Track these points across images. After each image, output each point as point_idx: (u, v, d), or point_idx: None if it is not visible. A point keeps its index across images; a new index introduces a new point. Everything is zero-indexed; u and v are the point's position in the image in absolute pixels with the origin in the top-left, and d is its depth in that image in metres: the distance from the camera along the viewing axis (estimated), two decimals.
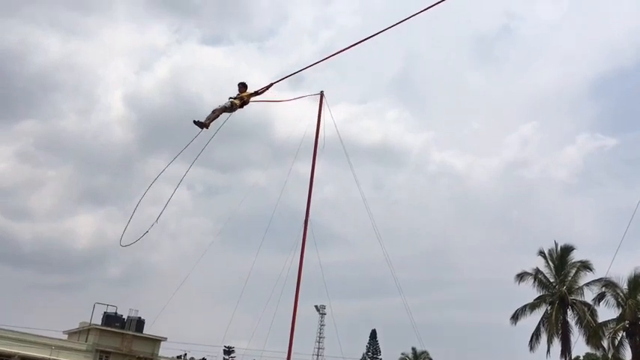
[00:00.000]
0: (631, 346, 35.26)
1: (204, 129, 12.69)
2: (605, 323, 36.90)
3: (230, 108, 13.11)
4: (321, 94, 20.71)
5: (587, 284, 38.48)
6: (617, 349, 35.91)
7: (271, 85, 14.12)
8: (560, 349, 37.75)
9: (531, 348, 38.64)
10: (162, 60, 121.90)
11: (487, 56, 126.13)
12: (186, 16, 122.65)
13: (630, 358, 35.56)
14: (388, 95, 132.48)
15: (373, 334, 73.65)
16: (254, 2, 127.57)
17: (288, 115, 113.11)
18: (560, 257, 39.76)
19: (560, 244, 40.28)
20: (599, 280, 37.25)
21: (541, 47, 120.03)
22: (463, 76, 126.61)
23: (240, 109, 13.14)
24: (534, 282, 39.79)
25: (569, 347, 37.47)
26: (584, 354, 48.02)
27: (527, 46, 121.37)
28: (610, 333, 36.12)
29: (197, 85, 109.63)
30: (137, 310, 46.92)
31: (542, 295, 39.58)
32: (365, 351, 72.60)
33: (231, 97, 13.11)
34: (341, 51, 12.83)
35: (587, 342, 37.15)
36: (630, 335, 35.42)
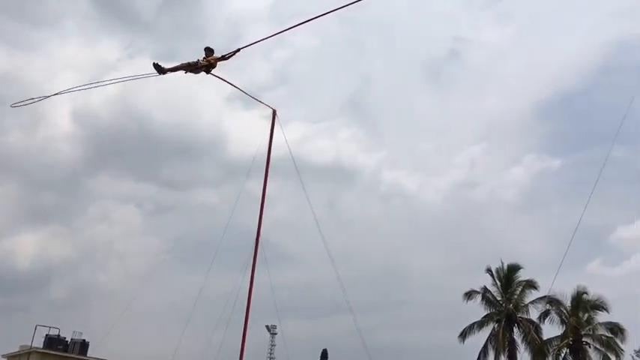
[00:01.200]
0: None
1: (161, 74, 13.50)
2: (550, 340, 37.85)
3: (195, 65, 13.71)
4: (274, 112, 20.72)
5: (533, 302, 39.48)
6: None
7: (239, 50, 14.15)
8: None
9: None
10: (112, 75, 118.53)
11: (437, 79, 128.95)
12: (138, 31, 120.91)
13: None
14: (342, 115, 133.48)
15: (324, 354, 73.19)
16: (209, 21, 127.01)
17: (240, 134, 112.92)
18: (507, 276, 40.69)
19: (507, 262, 41.29)
20: (543, 298, 38.31)
21: (488, 72, 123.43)
22: (414, 98, 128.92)
23: (206, 73, 13.79)
24: (482, 300, 40.53)
25: None
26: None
27: (475, 70, 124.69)
28: (554, 350, 37.07)
29: (148, 102, 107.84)
30: (81, 333, 45.33)
31: (490, 313, 40.32)
32: None
33: (199, 58, 13.62)
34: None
35: (533, 359, 38.02)
36: (573, 352, 36.42)
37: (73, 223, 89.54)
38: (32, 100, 12.07)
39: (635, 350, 48.63)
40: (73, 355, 43.62)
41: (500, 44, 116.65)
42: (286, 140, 20.28)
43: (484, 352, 39.15)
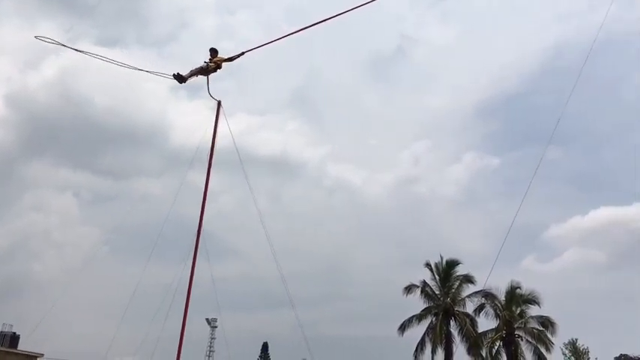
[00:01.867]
0: (507, 355, 37.51)
1: (182, 83, 14.93)
2: (485, 333, 39.05)
3: (206, 69, 14.93)
4: (219, 103, 20.37)
5: (469, 296, 40.61)
6: (495, 358, 38.11)
7: (243, 53, 15.03)
8: (443, 358, 39.42)
9: (416, 358, 40.05)
10: (50, 59, 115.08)
11: (383, 76, 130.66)
12: (79, 15, 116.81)
13: None
14: (288, 108, 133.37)
15: (265, 347, 73.19)
16: (153, 7, 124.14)
17: (184, 124, 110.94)
18: (446, 270, 41.69)
19: (447, 257, 42.30)
20: (479, 292, 39.47)
21: (433, 70, 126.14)
22: (360, 93, 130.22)
23: (214, 73, 14.90)
24: (421, 294, 41.37)
25: (452, 357, 39.19)
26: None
27: (420, 68, 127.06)
28: (488, 342, 38.27)
29: (88, 87, 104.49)
30: (12, 325, 43.68)
31: (429, 306, 41.20)
32: None
33: (205, 61, 14.75)
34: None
35: (468, 351, 39.12)
36: (506, 345, 37.67)
37: (6, 211, 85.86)
38: None
39: (564, 343, 50.91)
40: (2, 349, 41.99)
41: (446, 43, 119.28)
42: (231, 132, 20.00)
43: (421, 344, 40.00)
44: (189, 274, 17.77)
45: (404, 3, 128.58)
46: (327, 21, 12.52)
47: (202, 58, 16.50)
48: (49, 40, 14.66)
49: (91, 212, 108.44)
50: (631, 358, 52.15)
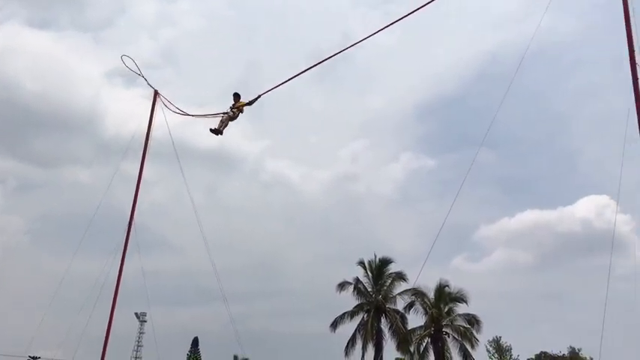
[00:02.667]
0: (434, 352, 38.53)
1: (219, 135, 16.30)
2: (414, 330, 39.94)
3: (233, 117, 16.33)
4: (155, 93, 19.96)
5: (400, 293, 41.41)
6: (423, 354, 39.06)
7: (259, 96, 16.35)
8: (373, 355, 40.06)
9: (347, 354, 40.51)
10: None
11: (324, 73, 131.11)
12: None
13: None
14: (227, 101, 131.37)
15: (195, 342, 72.07)
16: None
17: (119, 113, 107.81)
18: (379, 268, 42.34)
19: (380, 255, 42.96)
20: (410, 290, 40.33)
21: (374, 70, 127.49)
22: (301, 90, 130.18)
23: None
24: (354, 291, 41.86)
25: (381, 353, 39.87)
26: (394, 359, 51.41)
27: (362, 67, 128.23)
28: (417, 339, 39.18)
29: (17, 70, 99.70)
30: None
31: (361, 303, 41.73)
32: (186, 359, 70.76)
33: (231, 107, 15.85)
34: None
35: (397, 348, 39.94)
36: (434, 341, 38.68)
37: None
38: None
39: (488, 341, 52.78)
40: None
41: (387, 45, 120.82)
42: (167, 122, 19.62)
43: (352, 340, 40.49)
44: (119, 267, 17.34)
45: (347, 3, 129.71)
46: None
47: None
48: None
49: (16, 200, 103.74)
50: (551, 355, 54.70)
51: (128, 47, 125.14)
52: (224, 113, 16.06)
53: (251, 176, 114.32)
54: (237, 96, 16.39)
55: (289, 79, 15.05)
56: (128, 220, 18.27)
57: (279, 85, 15.31)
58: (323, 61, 14.85)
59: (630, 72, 13.89)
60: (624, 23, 14.20)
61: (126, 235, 17.83)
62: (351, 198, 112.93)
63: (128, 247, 17.75)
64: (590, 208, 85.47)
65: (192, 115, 17.15)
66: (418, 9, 13.29)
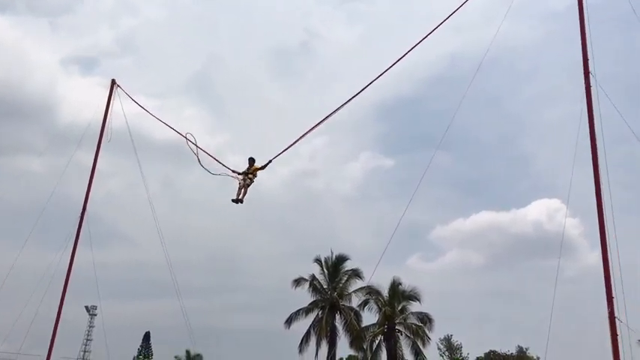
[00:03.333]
0: (387, 349, 38.96)
1: (240, 203, 16.70)
2: (367, 327, 40.28)
3: (250, 183, 16.68)
4: (113, 82, 19.55)
5: (355, 291, 41.68)
6: (376, 352, 39.45)
7: (270, 161, 16.82)
8: (326, 352, 40.22)
9: (300, 351, 40.59)
10: None
11: (286, 69, 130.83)
12: None
13: (385, 358, 39.34)
14: (187, 93, 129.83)
15: (147, 337, 71.05)
16: None
17: (75, 101, 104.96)
18: (335, 265, 42.51)
19: (337, 252, 43.12)
20: (364, 288, 40.63)
21: (335, 68, 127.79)
22: (263, 85, 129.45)
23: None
24: (309, 287, 41.94)
25: (335, 350, 40.08)
26: (347, 356, 51.72)
27: (323, 64, 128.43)
28: (370, 337, 39.54)
29: None
30: None
31: (316, 300, 41.84)
32: (136, 354, 69.67)
33: (244, 172, 16.29)
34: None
35: (351, 345, 40.22)
36: (387, 339, 39.11)
37: None
38: None
39: (440, 339, 53.71)
40: None
41: (349, 42, 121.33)
42: (124, 113, 19.24)
43: (307, 337, 40.58)
44: (70, 258, 16.93)
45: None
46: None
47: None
48: None
49: None
50: (499, 354, 55.99)
51: (86, 35, 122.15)
52: (239, 174, 16.66)
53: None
54: (252, 161, 17.00)
55: (299, 138, 15.62)
56: (81, 210, 17.86)
57: (289, 146, 15.54)
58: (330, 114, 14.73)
59: (583, 80, 14.34)
60: (579, 32, 14.65)
61: (78, 226, 17.43)
62: (310, 195, 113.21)
63: (80, 239, 17.37)
64: (542, 211, 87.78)
65: (151, 114, 16.76)
66: None
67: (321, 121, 15.29)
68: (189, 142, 16.11)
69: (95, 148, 18.77)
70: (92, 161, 18.57)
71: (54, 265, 17.11)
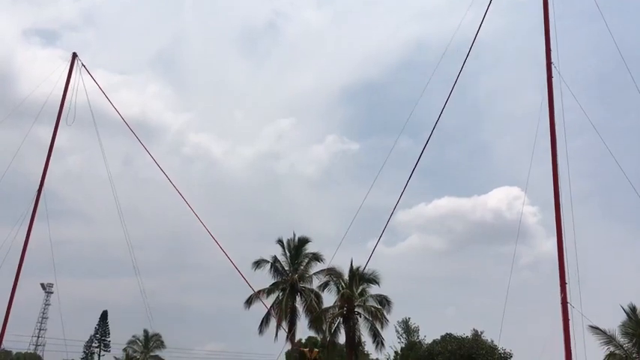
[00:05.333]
0: (345, 331, 39.41)
1: None
2: (327, 309, 40.63)
3: None
4: (74, 56, 19.01)
5: (316, 273, 41.94)
6: (334, 333, 39.89)
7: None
8: (286, 332, 40.46)
9: (260, 331, 40.73)
10: None
11: (252, 49, 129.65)
12: None
13: (344, 340, 39.84)
14: (151, 70, 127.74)
15: (104, 316, 70.05)
16: None
17: (34, 74, 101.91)
18: (297, 247, 42.63)
19: (299, 235, 43.22)
20: (325, 270, 40.91)
21: (303, 49, 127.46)
22: (228, 63, 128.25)
23: None
24: (271, 269, 41.99)
25: (295, 331, 40.35)
26: (306, 337, 52.16)
27: (291, 46, 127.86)
28: (329, 318, 39.92)
29: None
30: None
31: (277, 281, 41.94)
32: (93, 333, 68.75)
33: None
34: None
35: (310, 326, 40.56)
36: (346, 321, 39.55)
37: None
38: None
39: (398, 321, 54.63)
40: None
41: (317, 25, 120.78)
42: (85, 88, 18.73)
43: (267, 318, 40.73)
44: (25, 235, 16.53)
45: None
46: None
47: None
48: None
49: None
50: (454, 336, 57.22)
51: (48, 6, 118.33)
52: None
53: (172, 148, 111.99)
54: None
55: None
56: (38, 187, 17.42)
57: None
58: None
59: (546, 71, 14.59)
60: (543, 23, 14.87)
61: (34, 202, 17.00)
62: (274, 176, 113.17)
63: (37, 215, 16.95)
64: (501, 199, 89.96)
65: (110, 101, 16.30)
66: None
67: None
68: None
69: (54, 124, 18.29)
70: (50, 137, 18.09)
71: (9, 241, 16.68)
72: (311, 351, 15.49)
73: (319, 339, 45.97)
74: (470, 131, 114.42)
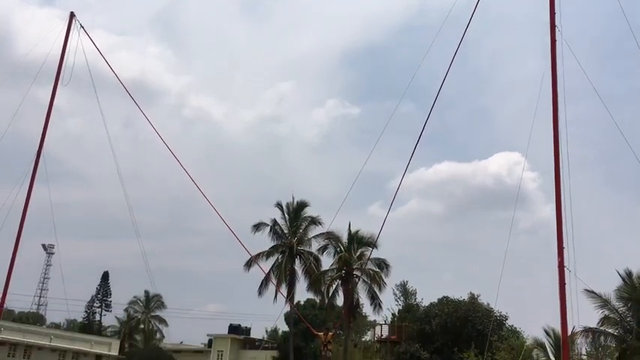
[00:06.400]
0: (344, 293, 39.94)
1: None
2: (326, 272, 41.10)
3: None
4: (71, 15, 18.72)
5: (315, 236, 42.28)
6: (333, 295, 40.46)
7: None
8: (285, 294, 40.99)
9: (260, 293, 41.27)
10: None
11: (254, 11, 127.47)
12: None
13: (342, 302, 40.41)
14: (150, 31, 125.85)
15: (105, 277, 70.73)
16: None
17: (32, 31, 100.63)
18: (296, 211, 42.85)
19: (298, 198, 43.39)
20: (324, 234, 41.23)
21: (304, 11, 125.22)
22: (229, 26, 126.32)
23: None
24: (270, 232, 42.30)
25: (294, 293, 40.89)
26: (305, 299, 52.86)
27: (292, 7, 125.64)
28: (328, 281, 40.42)
29: None
30: None
31: (276, 244, 42.29)
32: (94, 293, 69.58)
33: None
34: None
35: (308, 288, 41.13)
36: (344, 283, 40.03)
37: None
38: None
39: (395, 284, 55.23)
40: None
41: None
42: (83, 49, 18.50)
43: (266, 280, 41.22)
44: (26, 196, 16.58)
45: None
46: None
47: None
48: None
49: None
50: (451, 299, 57.99)
51: None
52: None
53: (172, 111, 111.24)
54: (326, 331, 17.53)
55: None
56: (37, 148, 17.39)
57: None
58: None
59: (550, 35, 14.40)
60: None
61: (34, 163, 16.98)
62: (274, 140, 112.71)
63: (37, 177, 16.96)
64: (502, 164, 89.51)
65: (108, 64, 16.06)
66: None
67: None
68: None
69: (52, 85, 18.14)
70: (49, 99, 17.97)
71: (10, 201, 16.73)
72: (326, 334, 15.54)
73: (317, 301, 46.57)
74: (471, 96, 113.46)
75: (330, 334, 16.38)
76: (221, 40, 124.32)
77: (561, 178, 13.41)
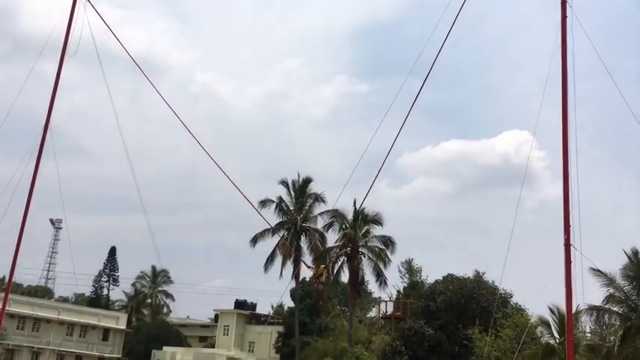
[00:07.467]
0: (349, 270, 40.15)
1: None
2: (331, 248, 41.28)
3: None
4: None
5: (321, 214, 42.41)
6: (338, 272, 40.66)
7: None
8: (291, 271, 41.29)
9: (266, 269, 41.58)
10: None
11: None
12: None
13: (348, 278, 40.64)
14: (156, 5, 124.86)
15: (112, 252, 71.36)
16: None
17: (37, 5, 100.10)
18: (301, 188, 42.93)
19: (304, 175, 43.46)
20: (330, 211, 41.32)
21: None
22: (236, 1, 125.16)
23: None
24: (276, 209, 42.44)
25: (299, 269, 41.16)
26: (310, 275, 53.12)
27: None
28: (333, 257, 40.61)
29: None
30: None
31: (282, 221, 42.46)
32: (102, 268, 70.24)
33: (315, 279, 15.65)
34: None
35: (313, 264, 41.20)
36: (350, 260, 40.22)
37: None
38: None
39: (401, 262, 55.39)
40: None
41: None
42: (89, 23, 18.34)
43: (272, 256, 41.50)
44: (33, 170, 16.63)
45: None
46: None
47: None
48: None
49: None
50: (456, 277, 58.19)
51: None
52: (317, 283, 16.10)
53: (179, 86, 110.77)
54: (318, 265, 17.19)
55: None
56: (44, 123, 17.39)
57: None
58: None
59: (560, 11, 14.17)
60: None
61: (42, 137, 17.01)
62: (281, 116, 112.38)
63: (44, 152, 17.00)
64: (510, 142, 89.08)
65: (115, 36, 15.87)
66: None
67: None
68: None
69: (58, 59, 18.06)
70: (55, 73, 17.90)
71: (17, 176, 16.78)
72: (318, 267, 15.61)
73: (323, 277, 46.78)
74: (480, 73, 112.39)
75: (322, 266, 16.56)
76: (228, 16, 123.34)
77: (569, 156, 13.31)
